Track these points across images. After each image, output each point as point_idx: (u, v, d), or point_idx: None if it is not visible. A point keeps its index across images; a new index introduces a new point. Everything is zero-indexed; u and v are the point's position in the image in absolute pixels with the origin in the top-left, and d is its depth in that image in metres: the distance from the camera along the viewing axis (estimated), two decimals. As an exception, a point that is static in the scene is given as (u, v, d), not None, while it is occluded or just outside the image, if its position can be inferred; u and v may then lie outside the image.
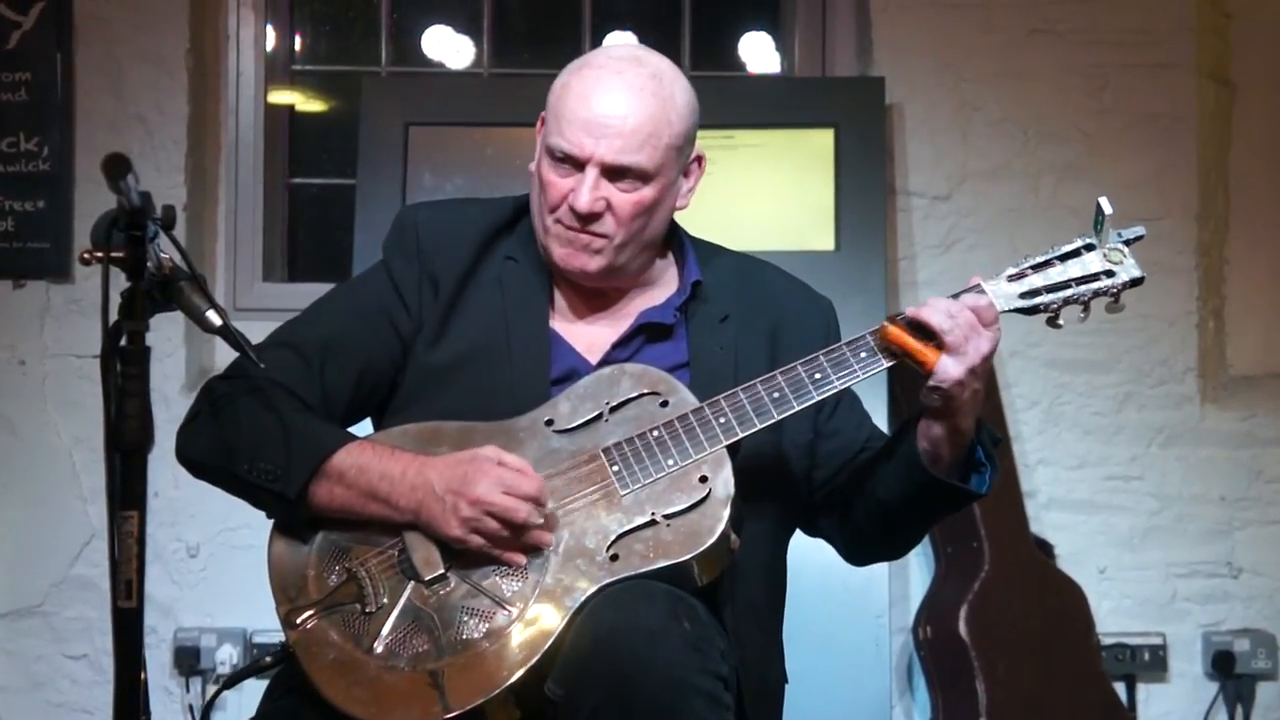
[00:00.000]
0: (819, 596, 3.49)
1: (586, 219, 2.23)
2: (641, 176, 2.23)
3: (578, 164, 2.22)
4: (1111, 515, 4.17)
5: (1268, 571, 4.19)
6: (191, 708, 4.01)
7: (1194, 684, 4.16)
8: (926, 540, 4.08)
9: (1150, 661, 4.12)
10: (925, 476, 2.18)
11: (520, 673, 2.01)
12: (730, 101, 4.11)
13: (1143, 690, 4.16)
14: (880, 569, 3.76)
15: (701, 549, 2.08)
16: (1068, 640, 3.95)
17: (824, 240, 4.02)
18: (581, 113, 2.21)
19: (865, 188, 4.03)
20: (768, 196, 4.05)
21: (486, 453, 2.11)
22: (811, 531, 2.40)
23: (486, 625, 2.06)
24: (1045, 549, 4.09)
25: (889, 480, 2.23)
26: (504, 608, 2.07)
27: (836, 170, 4.03)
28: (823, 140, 4.06)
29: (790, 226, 4.03)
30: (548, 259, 2.29)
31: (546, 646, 2.02)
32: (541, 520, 2.09)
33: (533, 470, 2.11)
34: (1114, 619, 4.12)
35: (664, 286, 2.36)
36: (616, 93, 2.22)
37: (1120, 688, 4.05)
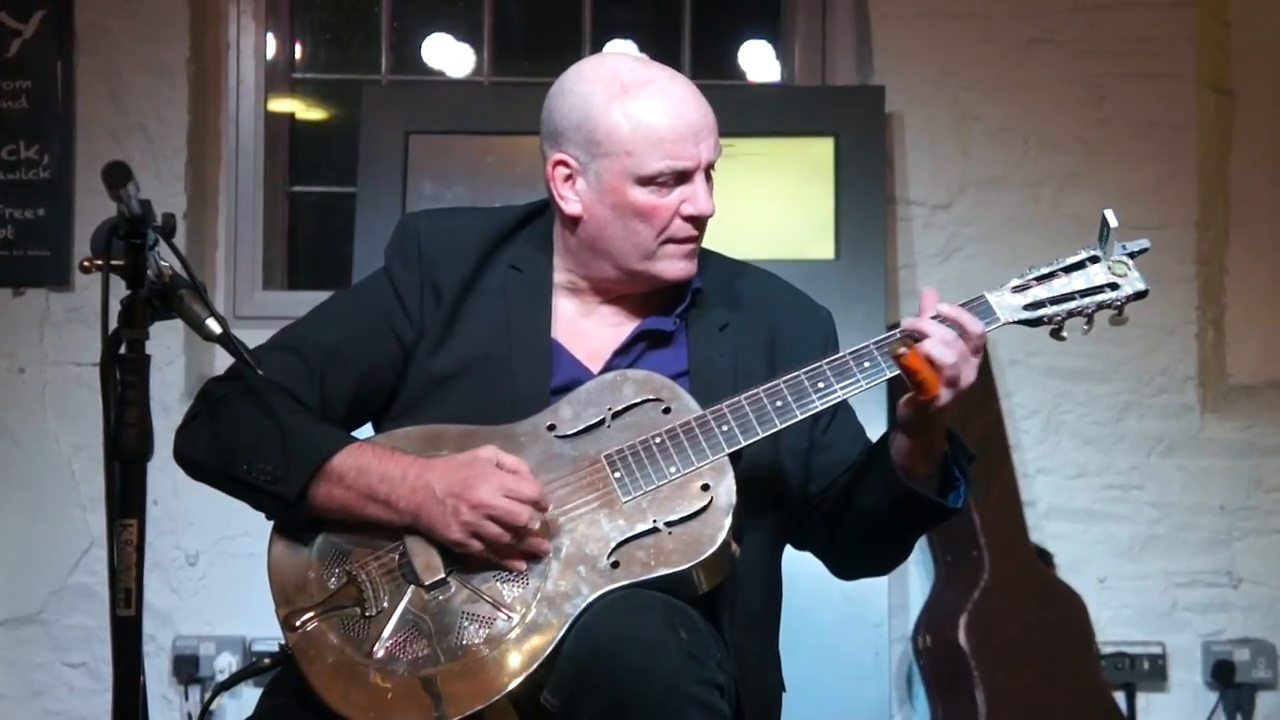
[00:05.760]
0: (818, 606, 3.49)
1: (704, 222, 2.25)
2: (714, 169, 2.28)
3: (684, 176, 2.22)
4: (1111, 524, 4.17)
5: (1268, 581, 4.18)
6: (190, 716, 4.01)
7: (1194, 693, 4.16)
8: (926, 548, 4.07)
9: (1150, 671, 4.11)
10: (901, 489, 2.16)
11: (519, 680, 2.00)
12: (730, 110, 4.05)
13: (1142, 700, 4.15)
14: (879, 578, 3.75)
15: (703, 557, 2.07)
16: (1067, 649, 3.95)
17: (824, 249, 4.02)
18: (677, 127, 2.20)
19: (865, 196, 4.03)
20: (767, 205, 4.05)
21: (486, 454, 2.10)
22: (801, 545, 2.38)
23: (486, 631, 2.05)
24: (1045, 558, 4.08)
25: (869, 492, 2.22)
26: (504, 613, 2.06)
27: (836, 179, 4.03)
28: (823, 149, 4.06)
29: (790, 235, 4.03)
30: (652, 281, 2.27)
31: (546, 654, 2.01)
32: (540, 524, 2.08)
33: (529, 471, 2.10)
34: (1114, 628, 4.12)
35: (664, 293, 2.34)
36: (690, 96, 2.24)
37: (1120, 697, 4.05)
